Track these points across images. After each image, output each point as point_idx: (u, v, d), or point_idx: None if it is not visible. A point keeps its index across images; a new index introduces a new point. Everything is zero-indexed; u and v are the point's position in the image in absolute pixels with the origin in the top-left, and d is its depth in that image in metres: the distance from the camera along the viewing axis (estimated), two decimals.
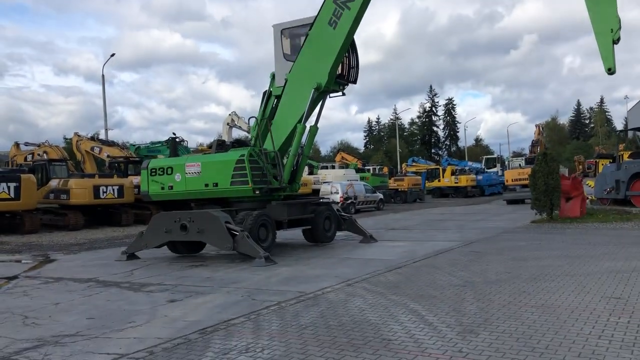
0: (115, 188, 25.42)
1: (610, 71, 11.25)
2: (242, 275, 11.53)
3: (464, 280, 9.84)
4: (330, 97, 15.34)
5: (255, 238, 13.18)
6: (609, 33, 11.09)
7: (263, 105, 15.45)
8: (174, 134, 18.42)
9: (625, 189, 23.78)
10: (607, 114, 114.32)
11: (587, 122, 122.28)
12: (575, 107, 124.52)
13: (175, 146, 16.31)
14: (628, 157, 32.27)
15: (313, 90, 14.14)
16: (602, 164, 39.33)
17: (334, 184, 33.96)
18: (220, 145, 15.82)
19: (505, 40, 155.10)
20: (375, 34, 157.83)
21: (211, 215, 13.34)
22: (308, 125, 15.00)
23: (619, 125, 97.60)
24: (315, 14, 14.16)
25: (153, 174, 15.00)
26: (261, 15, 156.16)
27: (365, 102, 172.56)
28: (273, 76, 15.27)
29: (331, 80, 14.40)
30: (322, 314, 7.79)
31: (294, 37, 15.21)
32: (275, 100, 15.24)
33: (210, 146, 16.15)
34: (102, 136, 43.58)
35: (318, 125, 15.63)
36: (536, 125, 43.03)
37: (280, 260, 13.29)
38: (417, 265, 11.80)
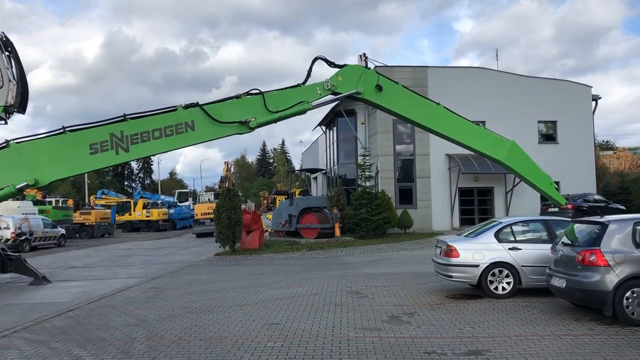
0: None
1: (567, 204, 14.72)
2: None
3: (138, 319, 9.62)
4: None
5: None
6: (550, 185, 13.73)
7: None
8: None
9: (296, 222, 26.91)
10: (287, 155, 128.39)
11: (271, 161, 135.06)
12: (261, 147, 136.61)
13: None
14: (299, 194, 36.78)
15: (26, 182, 11.84)
16: (279, 200, 43.90)
17: (5, 218, 29.75)
18: None
19: (209, 78, 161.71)
20: (75, 54, 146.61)
21: None
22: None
23: (297, 165, 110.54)
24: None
25: None
26: None
27: (54, 127, 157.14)
28: None
29: (46, 185, 12.45)
30: None
31: None
32: None
33: None
34: None
35: None
36: (225, 162, 45.64)
37: None
38: (91, 307, 11.08)
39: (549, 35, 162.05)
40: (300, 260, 19.15)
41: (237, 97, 12.57)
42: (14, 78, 13.01)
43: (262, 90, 12.47)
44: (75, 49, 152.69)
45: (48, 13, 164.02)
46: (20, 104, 13.40)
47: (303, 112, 12.55)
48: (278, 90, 12.69)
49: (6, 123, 12.78)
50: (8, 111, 12.97)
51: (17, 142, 12.40)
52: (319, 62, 12.82)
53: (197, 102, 12.30)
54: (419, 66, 29.88)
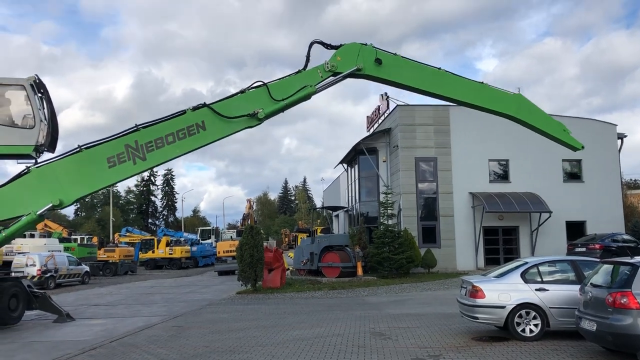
0: None
1: (583, 148, 14.47)
2: None
3: (161, 358, 9.59)
4: (18, 162, 13.49)
5: None
6: (564, 132, 13.97)
7: None
8: None
9: (318, 261, 26.76)
10: (308, 192, 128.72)
11: (293, 198, 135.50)
12: (283, 185, 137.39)
13: None
14: (320, 232, 36.69)
15: (51, 203, 12.16)
16: (301, 238, 43.79)
17: (31, 255, 30.20)
18: None
19: None
20: (106, 94, 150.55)
21: None
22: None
23: (319, 203, 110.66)
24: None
25: None
26: None
27: None
28: None
29: (71, 204, 12.79)
30: None
31: None
32: None
33: None
34: None
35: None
36: (247, 200, 46.17)
37: None
38: (114, 345, 11.08)
39: (573, 74, 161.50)
40: (322, 300, 18.96)
41: (242, 91, 12.81)
42: (45, 118, 13.41)
43: (265, 82, 12.81)
44: (106, 90, 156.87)
45: (81, 55, 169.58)
46: (50, 143, 13.75)
47: (308, 96, 12.81)
48: (280, 79, 12.99)
49: (36, 162, 13.10)
50: (38, 150, 13.31)
51: (37, 167, 12.67)
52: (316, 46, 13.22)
53: (205, 102, 12.61)
54: (441, 105, 29.91)
